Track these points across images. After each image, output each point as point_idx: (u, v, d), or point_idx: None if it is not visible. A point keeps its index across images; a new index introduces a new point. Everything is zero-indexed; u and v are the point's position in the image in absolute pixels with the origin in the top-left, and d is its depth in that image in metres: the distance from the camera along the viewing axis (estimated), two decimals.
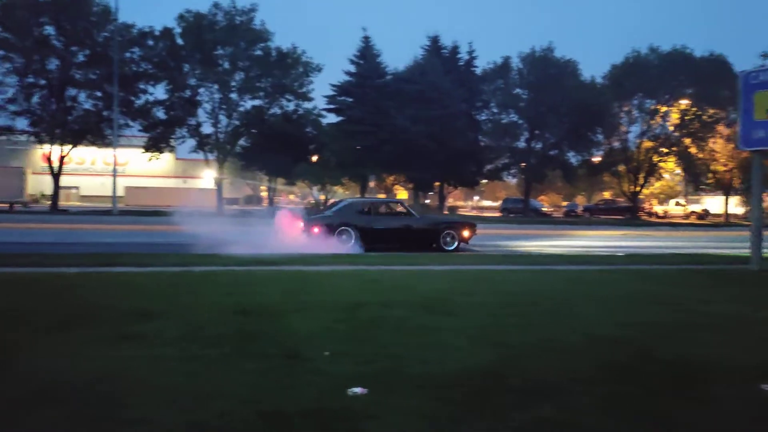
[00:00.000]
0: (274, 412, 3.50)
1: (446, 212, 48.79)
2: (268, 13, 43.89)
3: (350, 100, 45.47)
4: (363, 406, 3.61)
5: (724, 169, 49.07)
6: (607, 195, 70.65)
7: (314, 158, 45.09)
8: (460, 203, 77.86)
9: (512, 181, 67.79)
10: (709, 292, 8.55)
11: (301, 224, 14.68)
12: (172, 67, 38.24)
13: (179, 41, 38.22)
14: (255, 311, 6.25)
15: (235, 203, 55.72)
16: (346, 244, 14.35)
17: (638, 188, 48.47)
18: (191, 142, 41.00)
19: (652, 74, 43.95)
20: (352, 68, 46.12)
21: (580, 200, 72.73)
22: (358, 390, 3.85)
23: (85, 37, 36.04)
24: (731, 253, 15.76)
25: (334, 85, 46.02)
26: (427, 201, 55.00)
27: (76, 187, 60.35)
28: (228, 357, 4.63)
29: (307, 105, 41.61)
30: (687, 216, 56.11)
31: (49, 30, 35.93)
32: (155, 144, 40.22)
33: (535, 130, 47.35)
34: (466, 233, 15.81)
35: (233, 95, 39.40)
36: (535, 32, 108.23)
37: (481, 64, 50.50)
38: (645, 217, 51.62)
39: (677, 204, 62.35)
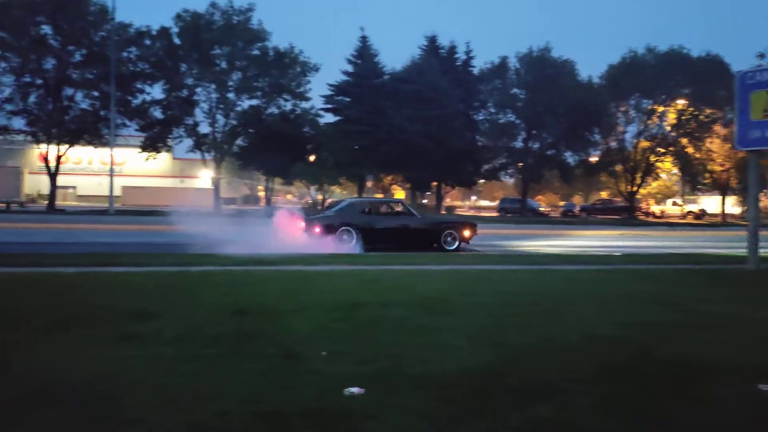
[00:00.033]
0: (273, 412, 3.50)
1: (443, 212, 48.81)
2: (265, 13, 43.94)
3: (348, 99, 45.47)
4: (362, 406, 3.60)
5: (720, 169, 49.19)
6: (604, 195, 70.76)
7: (312, 158, 45.08)
8: (457, 203, 77.93)
9: (509, 180, 67.88)
10: (707, 292, 8.56)
11: (303, 224, 14.70)
12: (169, 67, 38.20)
13: (176, 41, 38.19)
14: (253, 311, 6.24)
15: (233, 203, 55.72)
16: (348, 244, 14.39)
17: (635, 188, 48.54)
18: (188, 142, 41.04)
19: (649, 74, 43.99)
20: (350, 68, 46.14)
21: (577, 200, 72.85)
22: (355, 390, 3.85)
23: (82, 37, 35.97)
24: (728, 253, 15.79)
25: (331, 85, 46.04)
26: (425, 201, 55.02)
27: (73, 187, 60.27)
28: (226, 357, 4.62)
29: (305, 105, 41.71)
30: (684, 216, 56.21)
31: (46, 29, 35.88)
32: (152, 144, 40.17)
33: (533, 130, 47.37)
34: (467, 233, 15.85)
35: (230, 95, 39.42)
36: (533, 32, 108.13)
37: (479, 64, 50.60)
38: (642, 217, 51.69)
39: (674, 204, 62.47)
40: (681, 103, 45.30)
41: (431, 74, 43.77)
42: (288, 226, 14.71)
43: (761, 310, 7.27)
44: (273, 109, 41.31)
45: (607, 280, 9.64)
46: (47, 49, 35.65)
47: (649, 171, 48.32)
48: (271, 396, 3.75)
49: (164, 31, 37.97)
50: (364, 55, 45.92)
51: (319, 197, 45.20)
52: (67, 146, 37.66)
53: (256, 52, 39.02)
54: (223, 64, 38.85)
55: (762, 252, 12.24)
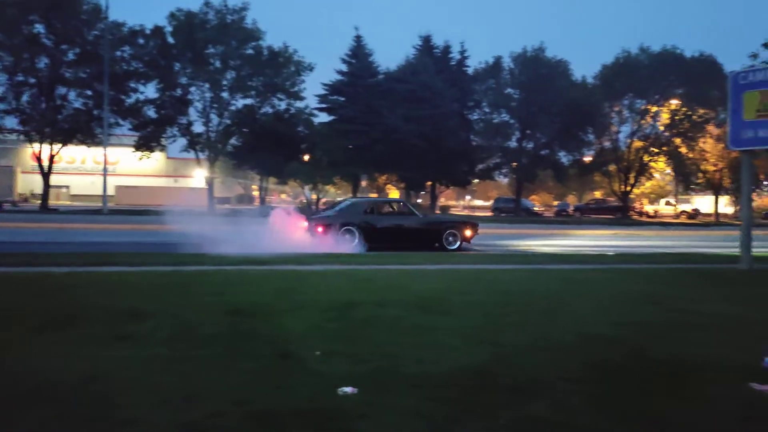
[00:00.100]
0: (267, 411, 3.49)
1: (438, 212, 48.82)
2: (259, 12, 43.86)
3: (342, 99, 45.41)
4: (356, 406, 3.60)
5: (714, 168, 49.40)
6: (597, 194, 70.93)
7: (306, 157, 45.01)
8: (452, 203, 77.90)
9: (504, 180, 67.96)
10: (700, 292, 8.59)
11: (305, 224, 14.71)
12: (162, 66, 38.08)
13: (170, 40, 38.06)
14: (248, 311, 6.23)
15: (227, 202, 55.55)
16: (350, 244, 14.41)
17: (629, 188, 48.70)
18: (182, 141, 40.94)
19: (642, 74, 44.15)
20: (344, 67, 46.08)
21: (571, 200, 73.03)
22: (348, 389, 3.85)
23: (76, 36, 35.82)
24: (721, 253, 15.85)
25: (325, 84, 45.97)
26: (419, 200, 55.03)
27: (66, 186, 59.95)
28: (220, 357, 4.61)
29: (299, 104, 41.68)
30: (677, 215, 56.43)
31: (39, 28, 35.69)
32: (146, 143, 40.04)
33: (527, 129, 47.46)
34: (468, 233, 15.90)
35: (224, 94, 39.32)
36: (531, 32, 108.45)
37: (473, 64, 50.63)
38: (635, 217, 51.86)
39: (667, 203, 62.73)
40: (674, 103, 45.48)
41: (426, 74, 43.77)
42: (289, 226, 14.71)
43: (753, 309, 7.30)
44: (267, 109, 41.26)
45: (602, 279, 9.67)
46: (40, 48, 35.48)
47: (643, 171, 48.50)
48: (264, 396, 3.74)
49: (158, 30, 37.84)
50: (359, 54, 45.88)
51: (314, 197, 45.12)
52: (60, 145, 37.50)
53: (250, 51, 38.95)
54: (217, 64, 38.76)
55: (754, 251, 12.30)
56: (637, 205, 58.98)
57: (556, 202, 69.52)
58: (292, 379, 4.08)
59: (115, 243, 16.11)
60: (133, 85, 38.44)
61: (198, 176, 49.59)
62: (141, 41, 37.99)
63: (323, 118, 45.82)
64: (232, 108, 40.07)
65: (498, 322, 6.05)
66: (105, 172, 36.90)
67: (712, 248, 18.14)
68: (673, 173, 55.34)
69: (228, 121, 40.37)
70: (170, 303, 6.59)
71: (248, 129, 41.36)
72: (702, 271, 11.49)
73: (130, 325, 5.51)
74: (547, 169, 50.96)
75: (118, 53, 37.48)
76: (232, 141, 43.37)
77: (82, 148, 42.31)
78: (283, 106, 41.32)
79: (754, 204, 16.98)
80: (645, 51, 46.15)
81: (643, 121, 47.02)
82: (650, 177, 53.67)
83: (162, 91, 38.79)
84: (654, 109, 46.36)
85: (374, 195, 57.96)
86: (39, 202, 39.44)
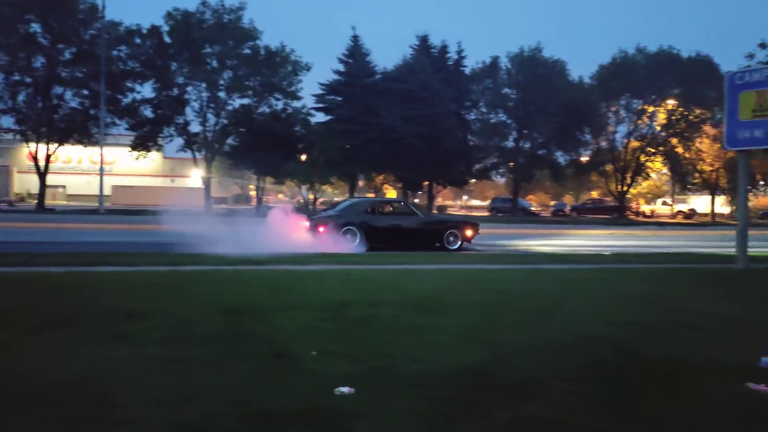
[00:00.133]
0: (263, 411, 3.49)
1: (435, 211, 48.84)
2: (256, 12, 43.86)
3: (339, 99, 45.40)
4: (353, 406, 3.60)
5: (710, 168, 49.52)
6: (594, 194, 71.10)
7: (303, 157, 44.98)
8: (449, 202, 78.03)
9: (501, 180, 68.03)
10: (696, 291, 8.61)
11: (307, 223, 14.72)
12: (159, 66, 38.05)
13: (167, 39, 38.04)
14: (244, 311, 6.22)
15: (224, 202, 55.53)
16: (351, 244, 14.44)
17: (625, 188, 48.79)
18: (179, 141, 40.92)
19: (639, 74, 44.23)
20: (341, 67, 46.07)
21: (568, 200, 73.10)
22: (345, 389, 3.85)
23: (72, 35, 35.76)
24: (717, 252, 15.89)
25: (322, 84, 45.95)
26: (416, 200, 55.04)
27: (63, 186, 59.89)
28: (217, 357, 4.61)
29: (296, 104, 41.70)
30: (674, 215, 56.56)
31: (35, 27, 35.63)
32: (142, 143, 40.01)
33: (524, 129, 47.50)
34: (469, 232, 15.93)
35: (221, 94, 39.32)
36: (528, 32, 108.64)
37: (471, 64, 50.67)
38: (632, 217, 51.98)
39: (664, 203, 62.86)
40: (671, 103, 45.58)
41: (423, 74, 43.78)
42: (287, 226, 14.70)
43: (748, 309, 7.32)
44: (264, 108, 41.25)
45: (598, 279, 9.68)
46: (36, 48, 35.42)
47: (639, 171, 48.60)
48: (261, 396, 3.74)
49: (154, 30, 37.81)
50: (356, 54, 45.88)
51: (311, 196, 45.10)
52: (56, 145, 37.45)
53: (247, 51, 38.94)
54: (214, 63, 38.75)
55: (750, 251, 12.33)
56: (633, 205, 59.09)
57: (553, 202, 69.58)
58: (288, 379, 4.07)
59: (112, 243, 16.08)
60: (129, 84, 38.42)
61: (195, 176, 49.57)
62: (138, 41, 37.96)
63: (320, 117, 45.86)
64: (229, 108, 40.10)
65: (495, 322, 6.05)
66: (101, 172, 36.85)
67: (709, 248, 18.17)
68: (669, 173, 55.46)
69: (225, 121, 40.35)
70: (167, 303, 6.58)
71: (245, 129, 41.35)
72: (698, 270, 11.52)
73: (128, 325, 5.50)
74: (544, 169, 51.03)
75: (115, 53, 37.45)
76: (229, 141, 43.35)
77: (79, 147, 42.28)
78: (280, 105, 41.38)
79: (750, 204, 17.04)
80: (642, 51, 46.24)
81: (639, 121, 47.10)
82: (647, 177, 53.78)
83: (159, 90, 38.77)
84: (651, 109, 46.46)
85: (371, 195, 57.97)
86: (35, 201, 39.35)
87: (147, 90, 39.09)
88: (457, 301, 7.13)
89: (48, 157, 37.04)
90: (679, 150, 47.34)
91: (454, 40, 70.63)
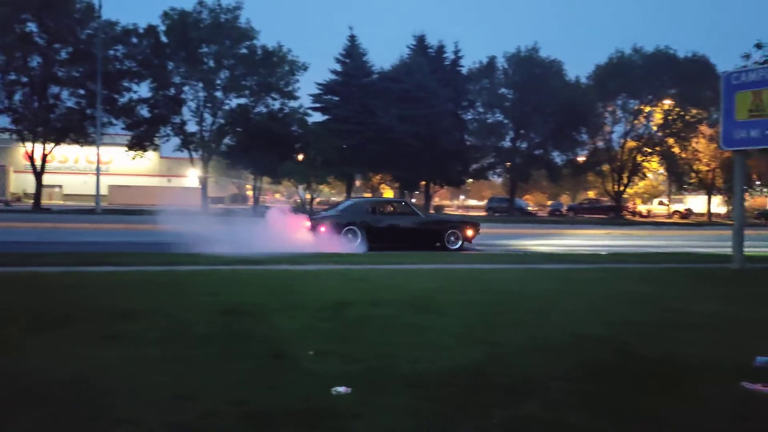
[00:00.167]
0: (261, 411, 3.49)
1: (432, 211, 48.86)
2: (253, 11, 43.85)
3: (336, 98, 45.36)
4: (350, 406, 3.60)
5: (706, 168, 49.61)
6: (591, 194, 71.15)
7: (300, 157, 44.94)
8: (446, 202, 77.99)
9: (498, 180, 68.08)
10: (692, 291, 8.64)
11: (308, 223, 14.71)
12: (156, 65, 37.95)
13: (163, 39, 37.94)
14: (242, 311, 6.21)
15: (221, 202, 55.44)
16: (352, 243, 14.45)
17: (622, 188, 48.89)
18: (176, 141, 40.77)
19: (635, 74, 44.32)
20: (338, 67, 46.03)
21: (565, 199, 73.23)
22: (341, 389, 3.85)
23: (68, 35, 35.62)
24: (714, 252, 15.94)
25: (320, 84, 45.91)
26: (413, 200, 55.06)
27: (59, 186, 59.65)
28: (214, 357, 4.60)
29: (293, 103, 41.58)
30: (670, 215, 56.63)
31: (32, 27, 35.48)
32: (139, 142, 39.92)
33: (521, 129, 47.55)
34: (470, 232, 15.96)
35: (218, 93, 39.23)
36: (526, 32, 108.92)
37: (468, 64, 50.69)
38: (629, 217, 52.08)
39: (660, 203, 62.89)
40: (667, 103, 45.67)
41: (420, 74, 43.79)
42: (285, 226, 14.68)
43: (745, 308, 7.35)
44: (261, 108, 41.17)
45: (595, 279, 9.70)
46: (33, 47, 35.28)
47: (636, 171, 48.71)
48: (258, 396, 3.74)
49: (151, 29, 37.71)
50: (353, 54, 45.85)
51: (308, 196, 45.08)
52: (52, 145, 37.30)
53: (244, 50, 38.86)
54: (211, 63, 38.66)
55: (747, 251, 12.37)
56: (630, 204, 59.21)
57: (549, 202, 69.68)
58: (286, 379, 4.07)
59: (109, 243, 16.06)
60: (126, 84, 38.27)
61: (191, 176, 49.42)
62: (134, 40, 37.84)
63: (317, 117, 45.80)
64: (226, 107, 40.02)
65: (493, 322, 6.06)
66: (98, 172, 36.69)
67: (705, 248, 18.22)
68: (666, 173, 55.58)
69: (222, 121, 40.28)
70: (165, 303, 6.57)
71: (242, 128, 41.27)
72: (695, 270, 11.55)
73: (125, 324, 5.50)
74: (540, 168, 51.10)
75: (111, 52, 37.30)
76: (226, 140, 43.24)
77: (75, 147, 42.11)
78: (277, 105, 41.27)
79: (746, 204, 17.08)
80: (638, 51, 46.33)
81: (636, 121, 47.20)
82: (643, 177, 53.92)
83: (155, 90, 38.67)
84: (647, 109, 46.55)
85: (368, 195, 57.95)
86: (31, 201, 39.22)
87: (144, 90, 39.02)
88: (455, 301, 7.13)
89: (44, 156, 36.90)
90: (676, 150, 47.44)
91: (453, 40, 70.73)
